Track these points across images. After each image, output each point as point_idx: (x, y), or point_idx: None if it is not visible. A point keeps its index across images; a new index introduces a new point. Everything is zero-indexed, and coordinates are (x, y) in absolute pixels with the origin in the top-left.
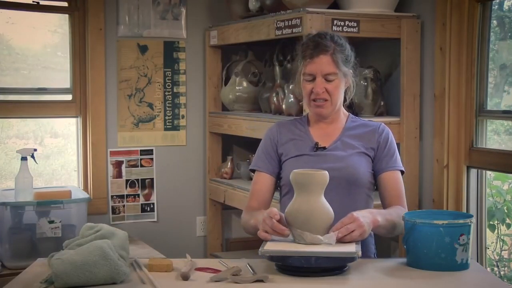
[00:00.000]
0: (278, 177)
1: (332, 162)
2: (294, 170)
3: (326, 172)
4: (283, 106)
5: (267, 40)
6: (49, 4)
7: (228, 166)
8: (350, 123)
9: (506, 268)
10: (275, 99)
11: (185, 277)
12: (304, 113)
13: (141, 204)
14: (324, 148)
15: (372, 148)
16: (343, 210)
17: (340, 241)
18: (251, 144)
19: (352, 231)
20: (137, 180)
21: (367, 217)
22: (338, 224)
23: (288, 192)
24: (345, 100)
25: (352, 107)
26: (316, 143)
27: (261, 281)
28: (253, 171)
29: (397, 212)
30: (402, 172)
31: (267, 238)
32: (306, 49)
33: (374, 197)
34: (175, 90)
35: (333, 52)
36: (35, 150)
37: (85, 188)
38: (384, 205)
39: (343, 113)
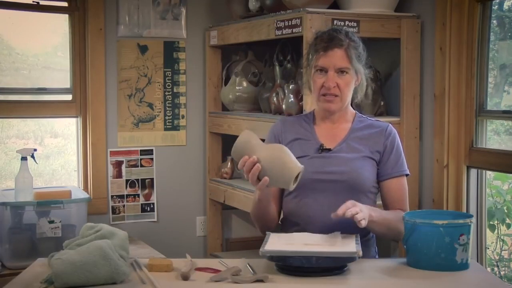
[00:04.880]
0: None
1: (336, 166)
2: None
3: (246, 130)
4: (283, 106)
5: (267, 40)
6: (49, 4)
7: (228, 166)
8: (357, 123)
9: (506, 268)
10: (275, 99)
11: (185, 277)
12: (304, 113)
13: (141, 204)
14: (329, 150)
15: (378, 151)
16: None
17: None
18: None
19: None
20: (137, 180)
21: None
22: (342, 207)
23: (292, 192)
24: (353, 99)
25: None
26: (321, 145)
27: (261, 281)
28: None
29: (396, 215)
30: (407, 175)
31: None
32: (320, 42)
33: (377, 199)
34: (175, 90)
35: (347, 47)
36: (35, 150)
37: (85, 188)
38: (385, 210)
39: (350, 111)
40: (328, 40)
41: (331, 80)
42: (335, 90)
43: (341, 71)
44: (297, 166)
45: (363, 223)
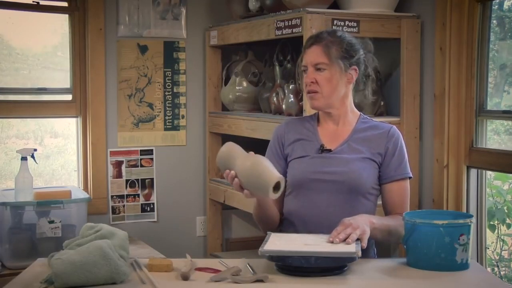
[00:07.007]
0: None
1: (335, 166)
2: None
3: (228, 142)
4: (283, 106)
5: (267, 40)
6: (49, 4)
7: None
8: (360, 124)
9: (506, 268)
10: (275, 99)
11: (185, 277)
12: (304, 114)
13: (141, 204)
14: (329, 150)
15: (380, 153)
16: (344, 215)
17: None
18: (251, 144)
19: (350, 234)
20: (137, 180)
21: (360, 219)
22: (334, 233)
23: (291, 192)
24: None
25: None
26: (322, 145)
27: (261, 281)
28: None
29: (396, 220)
30: (410, 178)
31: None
32: (306, 43)
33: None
34: (175, 90)
35: (326, 43)
36: (35, 150)
37: (85, 188)
38: (386, 213)
39: (353, 112)
40: (310, 39)
41: (309, 76)
42: (314, 86)
43: (318, 67)
44: (274, 176)
45: (364, 245)
